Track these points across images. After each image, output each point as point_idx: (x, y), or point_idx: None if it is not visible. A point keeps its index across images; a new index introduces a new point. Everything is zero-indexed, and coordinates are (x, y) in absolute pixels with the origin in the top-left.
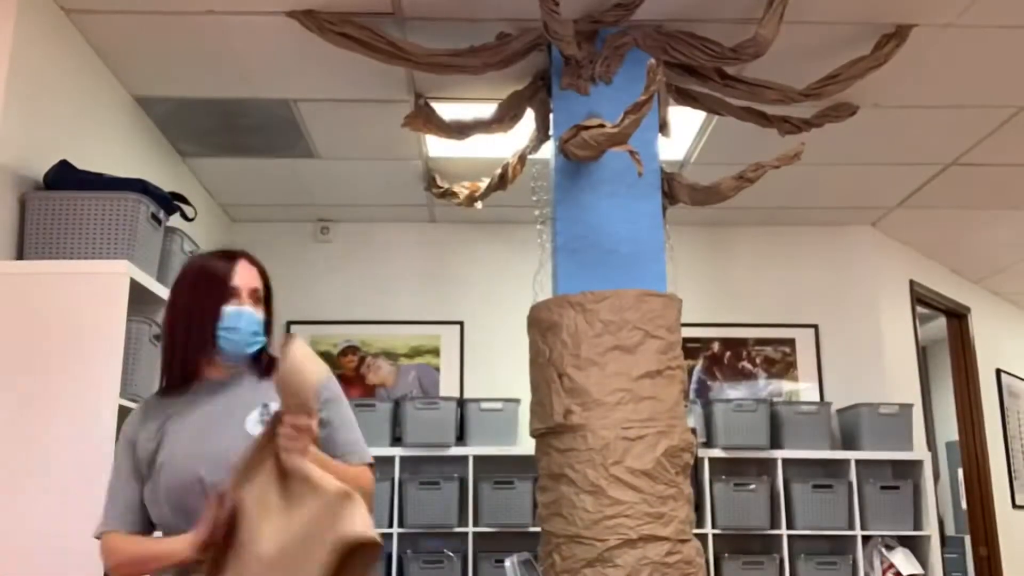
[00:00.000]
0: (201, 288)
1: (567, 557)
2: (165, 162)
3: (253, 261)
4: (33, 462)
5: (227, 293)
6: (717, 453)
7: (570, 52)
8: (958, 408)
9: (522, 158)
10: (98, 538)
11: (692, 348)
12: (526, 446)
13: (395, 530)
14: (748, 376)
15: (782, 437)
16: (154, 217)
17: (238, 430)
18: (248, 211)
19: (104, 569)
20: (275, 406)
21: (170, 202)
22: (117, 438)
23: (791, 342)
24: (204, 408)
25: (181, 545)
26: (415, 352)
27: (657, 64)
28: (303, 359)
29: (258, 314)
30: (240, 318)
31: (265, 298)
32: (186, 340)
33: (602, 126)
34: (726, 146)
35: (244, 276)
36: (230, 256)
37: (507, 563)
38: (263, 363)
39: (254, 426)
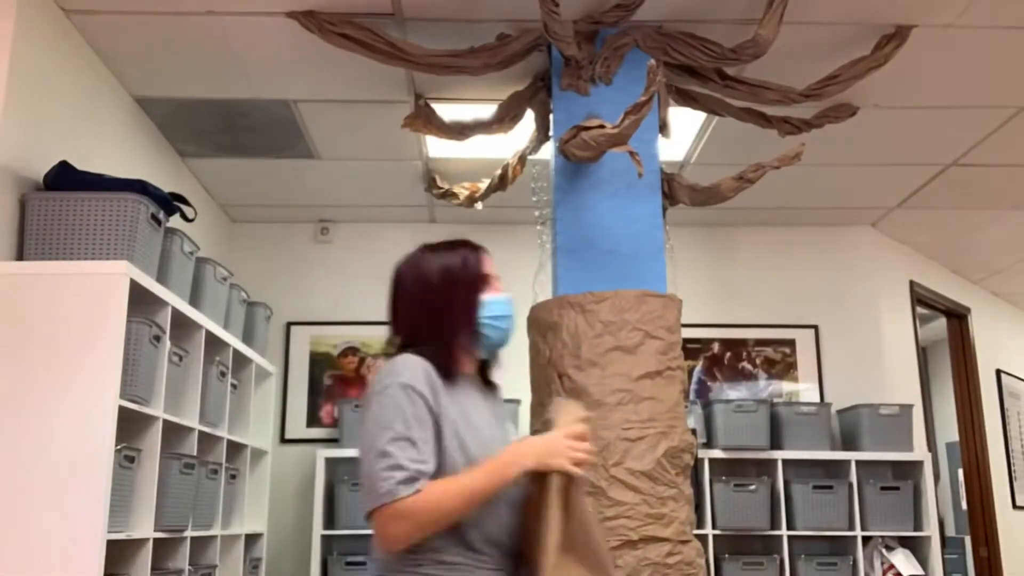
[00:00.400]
0: (461, 278)
1: None
2: (165, 163)
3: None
4: (33, 463)
5: (485, 281)
6: (717, 454)
7: (570, 53)
8: (958, 409)
9: (522, 159)
10: (397, 500)
11: (692, 349)
12: None
13: None
14: (748, 377)
15: (782, 438)
16: (154, 218)
17: (509, 437)
18: (248, 212)
19: (417, 527)
20: (512, 427)
21: (170, 203)
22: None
23: (791, 343)
24: (479, 404)
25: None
26: None
27: (657, 65)
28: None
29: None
30: (507, 306)
31: None
32: (453, 332)
33: (602, 127)
34: (726, 147)
35: (491, 265)
36: (472, 246)
37: None
38: (490, 365)
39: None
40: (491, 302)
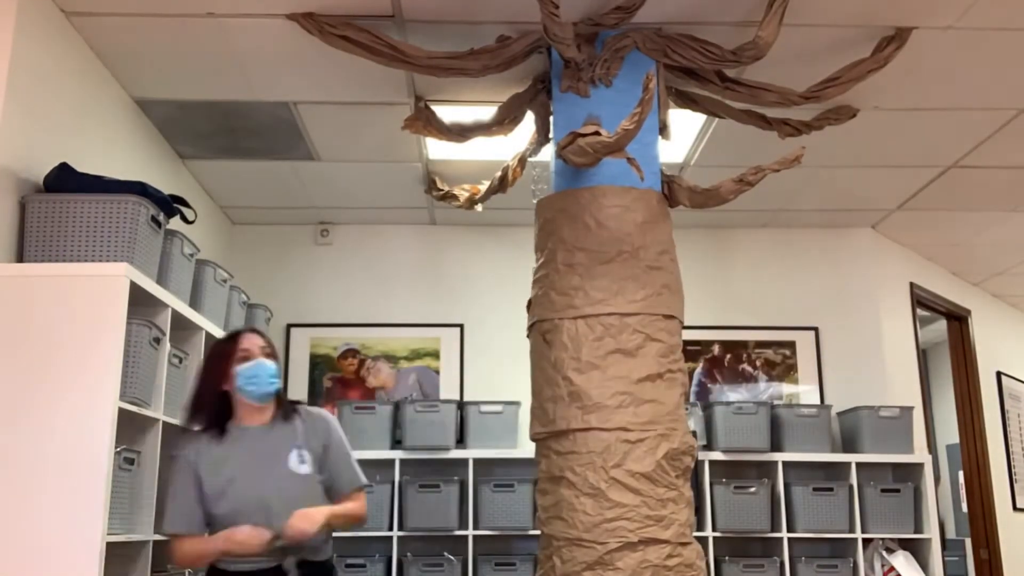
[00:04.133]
0: (214, 362)
1: (567, 560)
2: (165, 164)
3: (256, 331)
4: (32, 465)
5: (237, 357)
6: (717, 456)
7: (570, 55)
8: (958, 411)
9: (522, 161)
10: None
11: (693, 351)
12: (526, 449)
13: (395, 533)
14: (748, 379)
15: (782, 440)
16: (154, 220)
17: (284, 467)
18: (248, 214)
19: (172, 558)
20: (307, 452)
21: (170, 205)
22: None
23: (791, 345)
24: (254, 448)
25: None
26: (415, 355)
27: (656, 68)
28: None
29: (271, 364)
30: (258, 367)
31: (273, 355)
32: (211, 400)
33: (597, 134)
34: (726, 149)
35: (251, 341)
36: (235, 334)
37: None
38: (285, 406)
39: (296, 465)
40: (242, 370)
